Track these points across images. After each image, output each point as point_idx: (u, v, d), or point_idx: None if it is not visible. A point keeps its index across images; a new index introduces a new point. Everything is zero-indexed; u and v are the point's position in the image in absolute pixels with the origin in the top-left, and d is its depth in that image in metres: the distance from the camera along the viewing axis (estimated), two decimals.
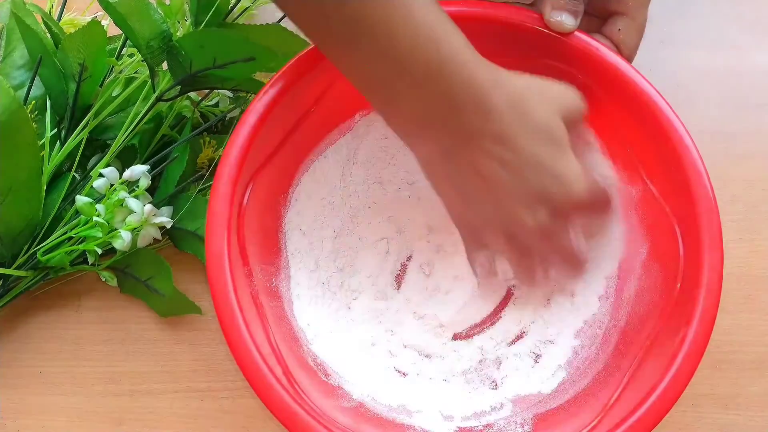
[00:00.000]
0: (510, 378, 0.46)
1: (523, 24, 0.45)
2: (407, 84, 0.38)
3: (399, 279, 0.50)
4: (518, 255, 0.44)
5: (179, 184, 0.49)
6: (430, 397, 0.45)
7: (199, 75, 0.47)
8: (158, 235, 0.48)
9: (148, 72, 0.48)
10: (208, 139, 0.51)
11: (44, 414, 0.48)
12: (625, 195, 0.48)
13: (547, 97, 0.41)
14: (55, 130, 0.49)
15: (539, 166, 0.40)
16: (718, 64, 0.56)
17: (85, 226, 0.46)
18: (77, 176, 0.50)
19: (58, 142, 0.49)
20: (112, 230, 0.46)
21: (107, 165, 0.48)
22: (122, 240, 0.46)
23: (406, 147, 0.43)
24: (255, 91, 0.51)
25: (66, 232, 0.47)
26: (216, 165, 0.51)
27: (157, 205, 0.48)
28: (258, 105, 0.43)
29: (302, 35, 0.41)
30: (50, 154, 0.48)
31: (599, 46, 0.45)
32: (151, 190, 0.48)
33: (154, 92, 0.48)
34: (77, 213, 0.47)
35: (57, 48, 0.48)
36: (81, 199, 0.46)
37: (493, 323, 0.48)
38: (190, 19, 0.49)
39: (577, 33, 0.45)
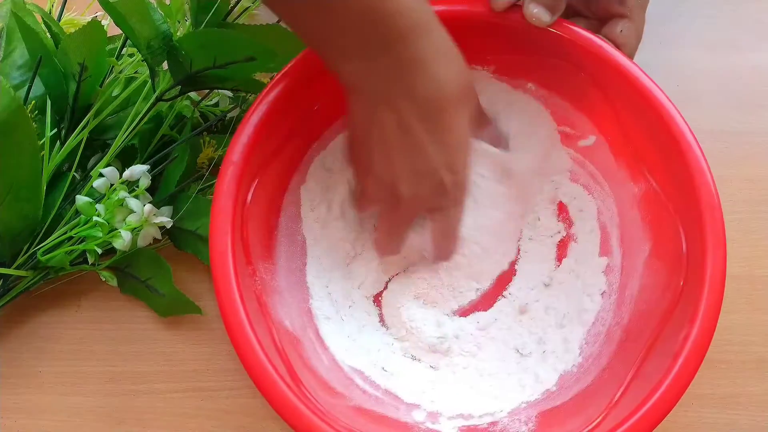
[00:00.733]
0: (514, 376, 0.46)
1: (526, 23, 0.45)
2: (351, 20, 0.39)
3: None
4: (391, 206, 0.45)
5: (179, 183, 0.49)
6: (434, 395, 0.46)
7: (199, 75, 0.47)
8: (158, 235, 0.48)
9: (148, 72, 0.48)
10: (208, 138, 0.51)
11: (44, 414, 0.48)
12: (627, 193, 0.48)
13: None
14: (55, 130, 0.49)
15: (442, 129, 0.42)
16: (718, 64, 0.56)
17: (85, 226, 0.46)
18: (77, 176, 0.50)
19: (58, 142, 0.49)
20: (112, 230, 0.46)
21: (107, 165, 0.48)
22: (122, 240, 0.46)
23: None
24: (255, 91, 0.51)
25: (66, 232, 0.47)
26: (216, 165, 0.51)
27: (157, 205, 0.48)
28: (261, 103, 0.43)
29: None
30: (50, 154, 0.48)
31: (603, 44, 0.45)
32: (151, 189, 0.48)
33: (154, 92, 0.48)
34: (77, 213, 0.47)
35: (57, 48, 0.48)
36: (81, 199, 0.46)
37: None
38: (190, 19, 0.49)
39: (580, 31, 0.45)
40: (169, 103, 0.50)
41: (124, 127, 0.48)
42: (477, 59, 0.49)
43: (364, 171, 0.45)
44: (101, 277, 0.49)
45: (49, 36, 0.49)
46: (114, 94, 0.50)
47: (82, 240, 0.46)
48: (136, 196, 0.47)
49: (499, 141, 0.49)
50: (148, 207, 0.46)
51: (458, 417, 0.45)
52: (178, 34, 0.48)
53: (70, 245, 0.47)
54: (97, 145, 0.51)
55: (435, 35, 0.40)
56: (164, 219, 0.48)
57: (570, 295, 0.48)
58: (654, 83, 0.44)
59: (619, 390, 0.41)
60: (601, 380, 0.44)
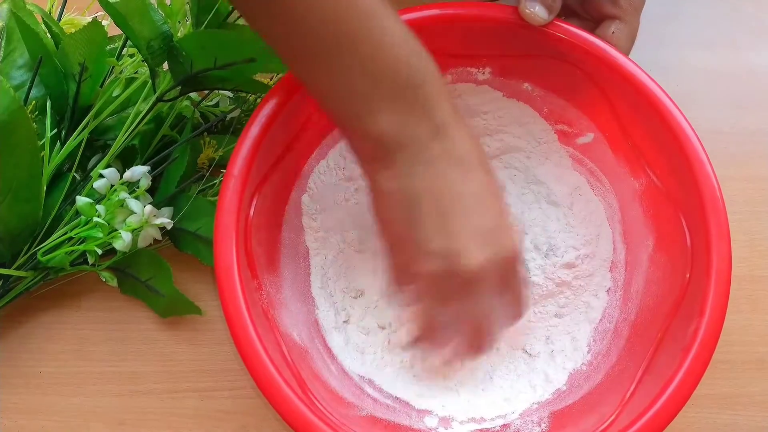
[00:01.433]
0: (524, 377, 0.47)
1: (522, 23, 0.45)
2: (384, 95, 0.37)
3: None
4: (441, 300, 0.40)
5: (179, 184, 0.49)
6: (445, 400, 0.46)
7: (200, 76, 0.47)
8: (158, 236, 0.48)
9: (148, 72, 0.48)
10: (208, 139, 0.51)
11: (44, 414, 0.48)
12: (628, 188, 0.48)
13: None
14: (55, 130, 0.49)
15: (494, 206, 0.38)
16: (718, 64, 0.56)
17: (85, 227, 0.46)
18: (77, 176, 0.50)
19: (58, 142, 0.49)
20: (112, 231, 0.46)
21: (108, 165, 0.48)
22: (122, 240, 0.46)
23: None
24: (255, 92, 0.51)
25: (66, 233, 0.47)
26: (217, 165, 0.51)
27: (158, 206, 0.48)
28: (260, 116, 0.43)
29: None
30: (50, 155, 0.48)
31: (599, 41, 0.45)
32: (151, 190, 0.48)
33: (155, 93, 0.48)
34: (77, 213, 0.47)
35: (57, 48, 0.48)
36: (81, 200, 0.46)
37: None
38: (190, 20, 0.48)
39: (576, 29, 0.45)
40: (169, 103, 0.50)
41: (125, 127, 0.48)
42: (473, 62, 0.49)
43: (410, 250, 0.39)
44: (101, 278, 0.49)
45: (49, 36, 0.49)
46: (114, 94, 0.50)
47: (83, 240, 0.46)
48: (137, 197, 0.47)
49: None
50: (149, 208, 0.46)
51: (470, 421, 0.45)
52: (178, 34, 0.48)
53: (71, 246, 0.47)
54: (97, 145, 0.51)
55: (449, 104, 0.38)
56: (164, 220, 0.47)
57: (576, 293, 0.48)
58: (651, 79, 0.44)
59: (631, 386, 0.41)
60: (612, 377, 0.44)
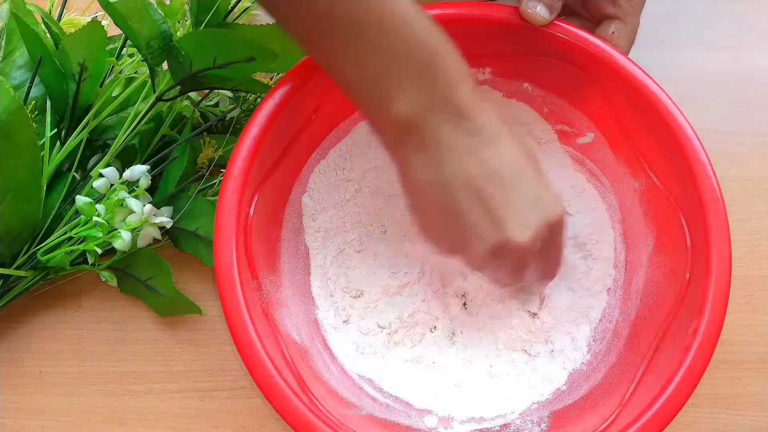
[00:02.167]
0: (523, 377, 0.46)
1: (523, 23, 0.45)
2: (408, 75, 0.37)
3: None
4: (490, 273, 0.42)
5: (179, 184, 0.49)
6: (445, 400, 0.46)
7: (199, 75, 0.47)
8: (158, 235, 0.48)
9: (148, 72, 0.48)
10: (208, 139, 0.51)
11: (44, 414, 0.48)
12: (628, 188, 0.48)
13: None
14: (55, 130, 0.49)
15: (531, 174, 0.39)
16: (718, 64, 0.56)
17: (85, 226, 0.46)
18: (77, 176, 0.50)
19: (58, 142, 0.49)
20: (112, 230, 0.46)
21: (107, 165, 0.48)
22: (122, 240, 0.46)
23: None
24: (255, 91, 0.51)
25: (66, 232, 0.47)
26: (216, 165, 0.51)
27: (157, 205, 0.48)
28: (260, 116, 0.43)
29: None
30: (50, 154, 0.48)
31: (599, 42, 0.45)
32: (151, 190, 0.48)
33: (154, 92, 0.48)
34: (77, 213, 0.47)
35: (57, 48, 0.48)
36: (81, 199, 0.46)
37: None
38: (190, 20, 0.48)
39: (576, 29, 0.45)
40: (169, 103, 0.50)
41: (124, 127, 0.48)
42: (473, 62, 0.49)
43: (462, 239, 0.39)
44: (101, 278, 0.49)
45: (49, 36, 0.49)
46: (114, 94, 0.50)
47: (82, 240, 0.46)
48: (136, 197, 0.47)
49: None
50: (148, 207, 0.46)
51: (470, 421, 0.45)
52: (178, 34, 0.48)
53: (70, 245, 0.47)
54: (97, 145, 0.51)
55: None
56: (164, 219, 0.47)
57: (575, 292, 0.48)
58: (651, 79, 0.44)
59: (630, 386, 0.41)
60: (612, 377, 0.44)
